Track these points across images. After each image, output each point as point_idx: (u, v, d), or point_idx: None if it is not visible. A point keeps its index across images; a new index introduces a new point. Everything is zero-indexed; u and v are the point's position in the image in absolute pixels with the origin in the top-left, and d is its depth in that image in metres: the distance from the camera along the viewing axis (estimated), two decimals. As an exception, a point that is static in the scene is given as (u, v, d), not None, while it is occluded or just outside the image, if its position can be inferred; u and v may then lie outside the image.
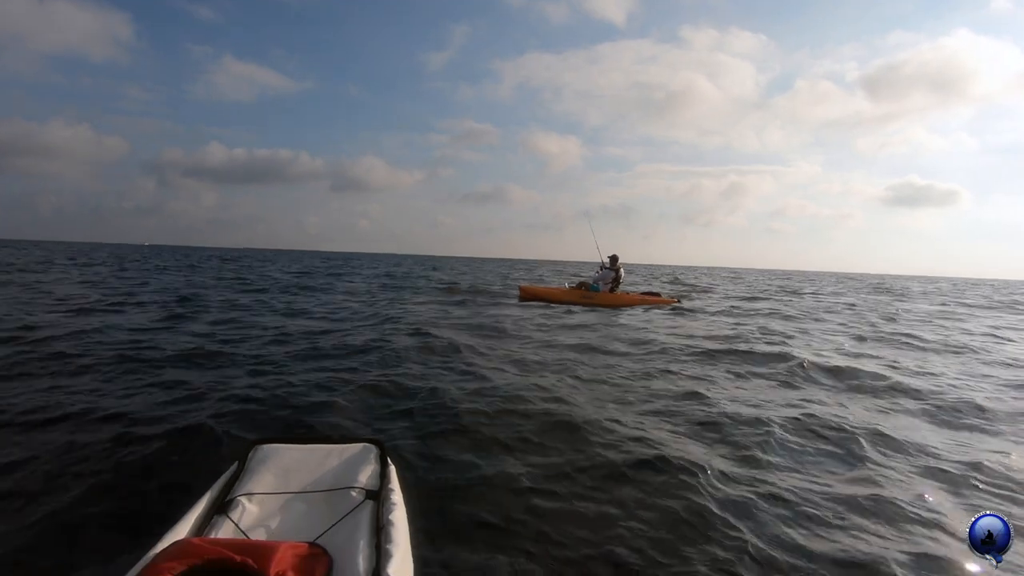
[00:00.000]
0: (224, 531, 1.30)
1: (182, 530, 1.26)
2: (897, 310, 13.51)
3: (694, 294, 16.68)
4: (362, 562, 1.18)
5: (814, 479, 2.73)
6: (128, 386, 3.88)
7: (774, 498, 2.45)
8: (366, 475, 1.54)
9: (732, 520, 2.22)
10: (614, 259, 12.28)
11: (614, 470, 2.66)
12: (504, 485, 2.46)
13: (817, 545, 2.10)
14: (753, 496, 2.45)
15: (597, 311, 10.85)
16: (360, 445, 1.70)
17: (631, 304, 11.79)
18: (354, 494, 1.45)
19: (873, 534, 2.20)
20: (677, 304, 11.92)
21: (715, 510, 2.29)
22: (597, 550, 2.01)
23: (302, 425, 3.10)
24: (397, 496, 1.49)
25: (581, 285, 12.65)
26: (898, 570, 1.94)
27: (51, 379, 4.00)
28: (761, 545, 2.05)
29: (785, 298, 17.19)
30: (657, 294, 12.59)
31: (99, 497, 2.24)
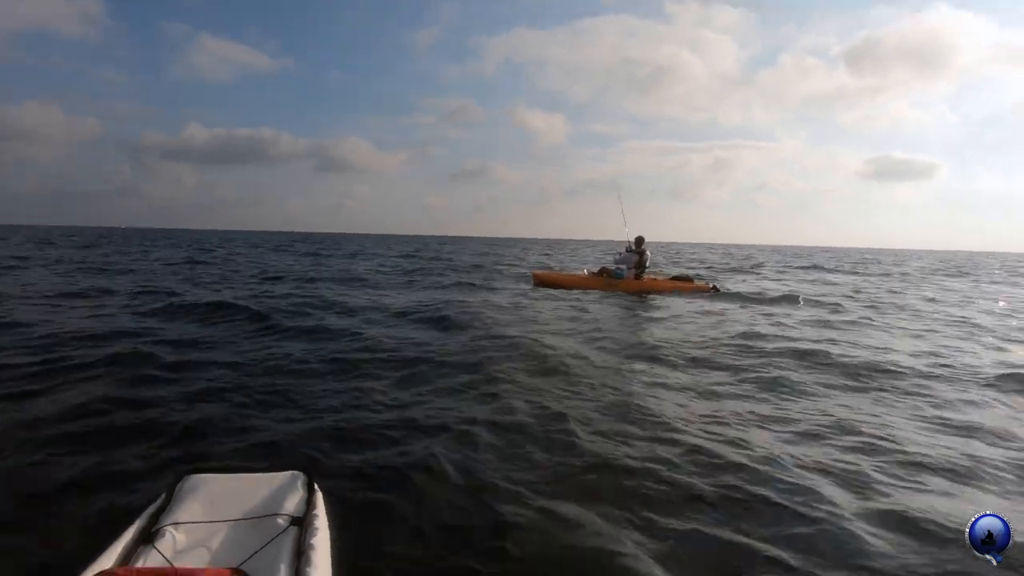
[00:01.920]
0: (151, 560, 1.32)
1: (108, 560, 1.28)
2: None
3: (717, 276, 15.51)
4: None
5: None
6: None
7: None
8: (293, 502, 1.58)
9: None
10: (639, 240, 11.11)
11: None
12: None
13: None
14: None
15: (625, 299, 9.80)
16: (288, 473, 1.73)
17: (660, 291, 10.69)
18: (280, 521, 1.48)
19: None
20: (714, 290, 10.76)
21: None
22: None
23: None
24: (321, 522, 1.53)
25: (602, 271, 11.54)
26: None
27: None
28: None
29: (832, 279, 16.39)
30: (688, 278, 11.34)
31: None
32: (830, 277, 17.89)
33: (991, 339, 6.50)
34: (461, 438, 2.92)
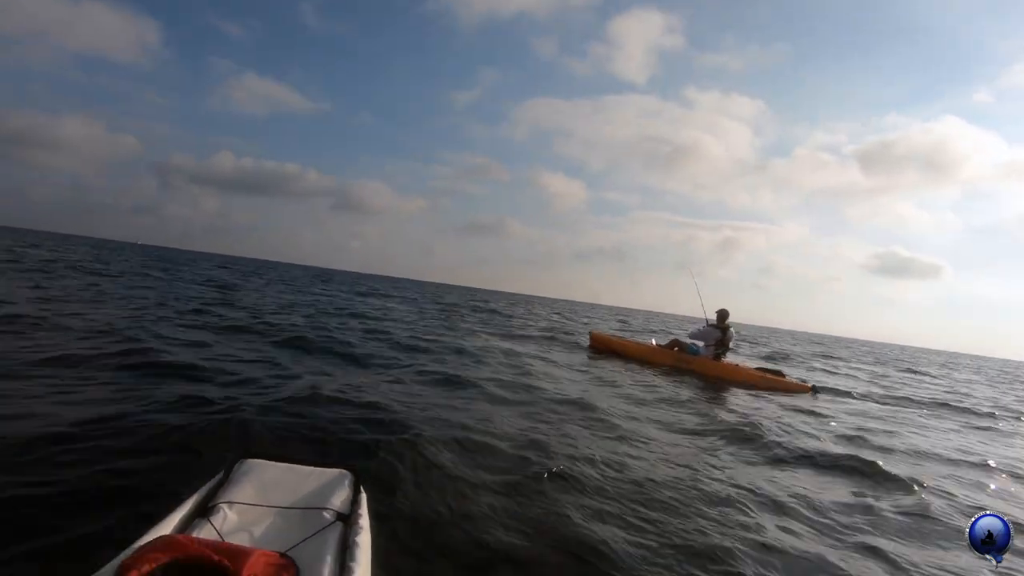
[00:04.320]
0: (204, 533, 1.36)
1: (167, 527, 1.33)
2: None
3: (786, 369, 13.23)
4: None
5: None
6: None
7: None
8: (339, 499, 1.60)
9: None
10: (722, 315, 9.22)
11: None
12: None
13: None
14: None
15: (697, 382, 7.84)
16: (337, 471, 1.76)
17: (744, 381, 8.58)
18: (326, 515, 1.50)
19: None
20: (813, 392, 8.34)
21: None
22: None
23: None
24: (365, 521, 1.54)
25: (674, 343, 9.61)
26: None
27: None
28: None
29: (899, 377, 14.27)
30: (778, 372, 9.10)
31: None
32: (896, 373, 15.92)
33: None
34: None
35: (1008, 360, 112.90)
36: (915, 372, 17.84)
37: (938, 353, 79.47)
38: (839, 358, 20.41)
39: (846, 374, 13.39)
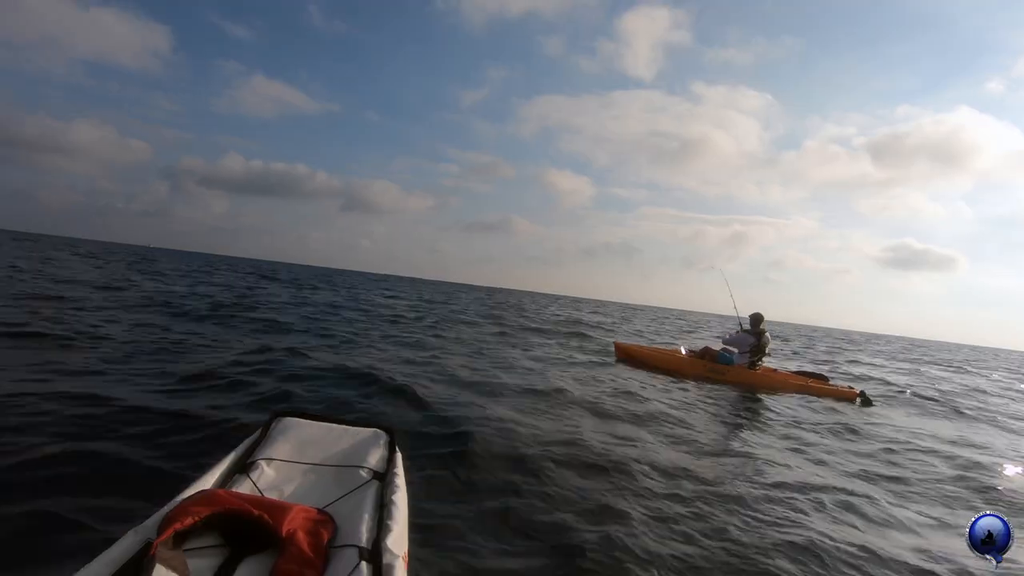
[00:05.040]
0: (244, 488, 1.39)
1: (208, 482, 1.35)
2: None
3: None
4: (364, 532, 1.25)
5: None
6: None
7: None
8: (375, 457, 1.63)
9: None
10: (756, 319, 8.67)
11: None
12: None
13: None
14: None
15: (732, 393, 7.34)
16: (372, 430, 1.79)
17: (784, 389, 8.13)
18: (363, 473, 1.53)
19: None
20: (863, 398, 7.83)
21: None
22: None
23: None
24: (400, 480, 1.54)
25: (705, 352, 9.06)
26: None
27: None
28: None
29: (939, 373, 13.54)
30: (822, 376, 8.59)
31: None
32: (930, 371, 15.20)
33: None
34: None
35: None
36: (964, 371, 17.10)
37: (958, 347, 77.65)
38: (861, 352, 19.71)
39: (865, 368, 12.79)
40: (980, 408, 8.77)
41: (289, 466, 1.51)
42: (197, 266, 33.36)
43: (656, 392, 6.62)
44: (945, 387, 11.40)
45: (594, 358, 9.47)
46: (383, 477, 1.54)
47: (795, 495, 3.27)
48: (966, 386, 12.33)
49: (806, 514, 3.01)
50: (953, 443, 5.58)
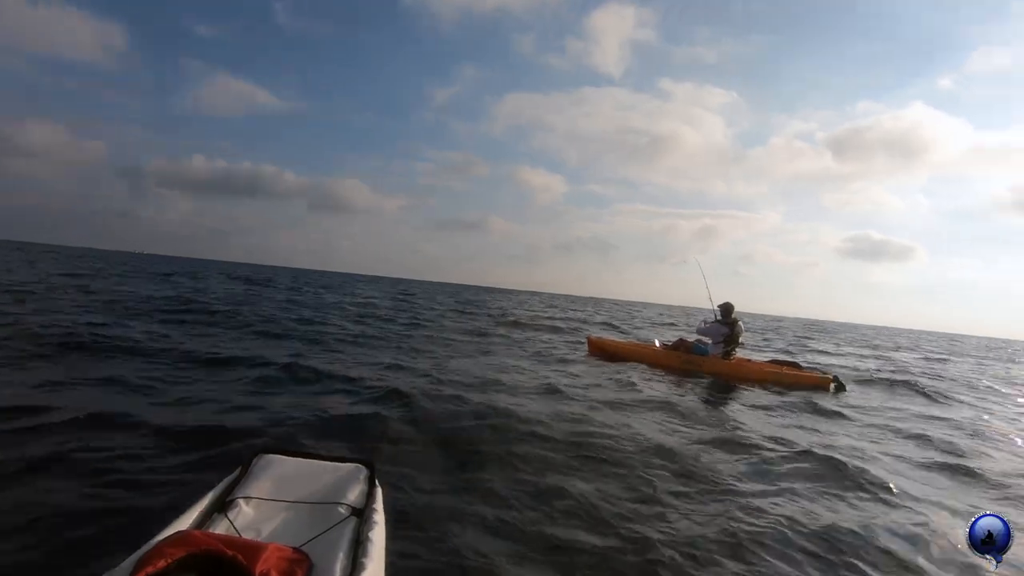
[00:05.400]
0: (220, 528, 1.39)
1: (185, 522, 1.35)
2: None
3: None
4: (339, 571, 1.25)
5: None
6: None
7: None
8: (354, 493, 1.62)
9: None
10: (727, 309, 8.65)
11: None
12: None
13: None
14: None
15: (707, 384, 7.34)
16: (353, 465, 1.77)
17: (758, 379, 8.12)
18: (341, 509, 1.53)
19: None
20: (836, 384, 7.89)
21: None
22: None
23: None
24: (379, 516, 1.54)
25: (679, 344, 9.03)
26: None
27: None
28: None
29: (904, 357, 13.93)
30: (795, 364, 8.65)
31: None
32: (897, 356, 15.65)
33: None
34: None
35: (993, 338, 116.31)
36: (931, 359, 17.61)
37: (919, 333, 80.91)
38: (834, 342, 20.22)
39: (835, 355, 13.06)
40: (939, 386, 9.00)
41: (267, 504, 1.51)
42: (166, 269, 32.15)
43: (631, 384, 6.52)
44: (915, 369, 11.76)
45: (568, 353, 9.36)
46: (361, 513, 1.54)
47: (778, 482, 3.20)
48: (931, 370, 12.72)
49: (793, 500, 2.93)
50: (925, 418, 5.75)
